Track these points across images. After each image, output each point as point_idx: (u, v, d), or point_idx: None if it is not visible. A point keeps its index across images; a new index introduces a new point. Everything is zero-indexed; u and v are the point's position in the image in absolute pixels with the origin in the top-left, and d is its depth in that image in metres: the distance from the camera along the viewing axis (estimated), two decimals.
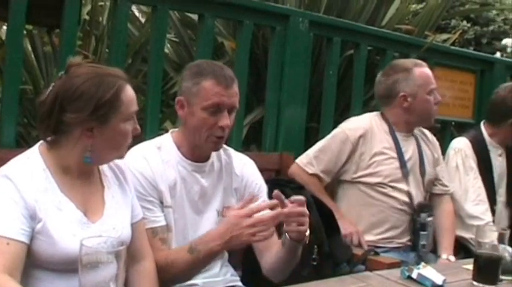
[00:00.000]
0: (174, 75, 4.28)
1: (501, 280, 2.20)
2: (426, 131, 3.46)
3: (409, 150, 3.27)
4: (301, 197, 2.14)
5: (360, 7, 4.51)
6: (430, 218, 3.20)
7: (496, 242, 2.22)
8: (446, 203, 3.42)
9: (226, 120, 2.23)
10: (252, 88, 4.06)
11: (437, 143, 3.49)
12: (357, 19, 4.36)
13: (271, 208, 2.05)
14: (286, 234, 2.16)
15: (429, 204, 3.31)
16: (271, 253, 2.30)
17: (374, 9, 4.52)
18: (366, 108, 4.16)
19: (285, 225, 2.14)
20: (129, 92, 1.93)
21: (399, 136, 3.26)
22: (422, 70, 3.26)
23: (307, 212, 2.12)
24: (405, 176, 3.20)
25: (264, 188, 2.50)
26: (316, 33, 3.80)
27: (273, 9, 3.62)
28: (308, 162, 3.22)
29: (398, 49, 4.30)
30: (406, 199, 3.20)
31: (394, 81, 3.26)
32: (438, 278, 2.07)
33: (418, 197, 3.25)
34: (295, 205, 2.08)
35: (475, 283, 2.16)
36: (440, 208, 3.41)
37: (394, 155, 3.20)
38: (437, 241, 3.31)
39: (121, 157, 2.01)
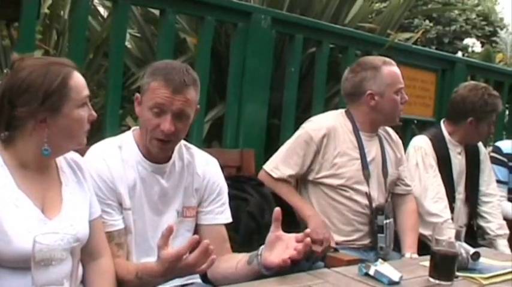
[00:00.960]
0: (136, 70, 4.24)
1: (457, 277, 2.22)
2: (390, 130, 3.44)
3: (372, 151, 3.24)
4: (307, 231, 2.11)
5: (323, 5, 4.51)
6: (387, 221, 3.18)
7: (453, 240, 2.24)
8: (409, 203, 3.43)
9: (167, 124, 2.17)
10: (215, 84, 4.04)
11: (400, 143, 3.47)
12: (320, 17, 4.36)
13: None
14: (260, 257, 2.11)
15: (387, 206, 3.25)
16: (227, 263, 2.26)
17: (337, 7, 4.52)
18: (328, 106, 4.18)
19: (262, 249, 2.12)
20: (76, 78, 1.91)
21: (363, 136, 3.22)
22: (391, 69, 3.22)
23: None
24: (367, 178, 3.18)
25: (224, 189, 2.47)
26: (278, 30, 3.81)
27: (235, 5, 3.60)
28: (274, 167, 3.17)
29: (361, 47, 4.32)
30: (366, 201, 3.18)
31: (361, 78, 3.22)
32: (395, 275, 2.08)
33: (379, 198, 3.23)
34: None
35: (431, 279, 2.17)
36: (403, 207, 3.42)
37: (357, 156, 3.18)
38: (400, 240, 3.32)
39: (80, 144, 1.99)
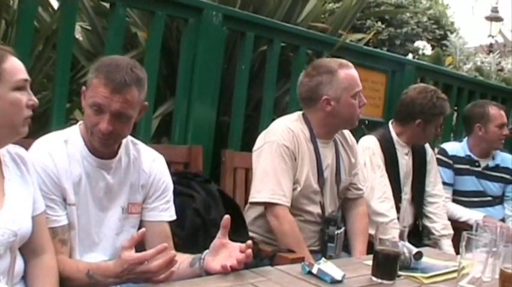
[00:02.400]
0: (86, 64, 4.18)
1: (399, 276, 2.25)
2: (346, 133, 3.37)
3: (328, 158, 3.17)
4: (249, 243, 2.09)
5: (276, 4, 4.51)
6: (339, 231, 3.12)
7: (396, 239, 2.27)
8: (359, 206, 3.39)
9: (105, 124, 2.13)
10: (166, 80, 4.02)
11: (355, 145, 3.42)
12: (273, 15, 4.36)
13: None
14: (202, 261, 2.10)
15: (339, 216, 3.20)
16: None
17: (290, 6, 4.53)
18: (278, 104, 4.18)
19: (206, 253, 2.11)
20: (12, 61, 1.88)
21: (319, 143, 3.14)
22: (348, 72, 3.10)
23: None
24: (321, 186, 3.12)
25: (170, 186, 2.46)
26: (229, 27, 3.79)
27: (186, 1, 3.56)
28: (272, 194, 2.95)
29: (312, 46, 4.33)
30: (319, 211, 3.12)
31: (317, 83, 3.09)
32: (338, 274, 2.09)
33: (331, 206, 3.19)
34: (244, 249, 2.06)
35: (373, 278, 2.19)
36: (354, 211, 3.38)
37: (314, 164, 3.10)
38: (351, 244, 3.30)
39: (19, 133, 1.94)
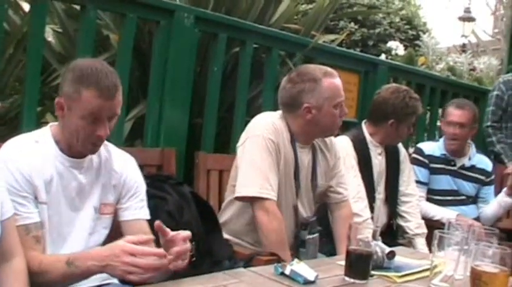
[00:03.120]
0: (58, 66, 4.15)
1: (372, 275, 2.26)
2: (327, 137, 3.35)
3: (304, 162, 3.15)
4: (188, 233, 2.10)
5: (248, 5, 4.50)
6: (310, 236, 3.10)
7: (369, 239, 2.27)
8: (342, 209, 3.36)
9: (105, 130, 2.18)
10: (138, 82, 4.00)
11: (335, 148, 3.39)
12: (246, 17, 4.36)
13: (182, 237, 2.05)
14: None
15: (312, 221, 3.17)
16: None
17: (263, 7, 4.53)
18: (251, 106, 4.18)
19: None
20: None
21: (298, 146, 3.11)
22: (332, 81, 3.05)
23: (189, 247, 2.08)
24: (297, 189, 3.10)
25: (142, 186, 2.45)
26: (201, 29, 3.79)
27: (157, 3, 3.55)
28: (260, 188, 2.90)
29: (284, 48, 4.33)
30: (292, 214, 3.09)
31: (299, 90, 3.04)
32: (310, 274, 2.10)
33: (306, 212, 3.16)
34: (181, 240, 2.06)
35: (346, 278, 2.20)
36: (336, 213, 3.37)
37: (291, 167, 3.07)
38: (336, 246, 3.29)
39: None
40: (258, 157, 2.94)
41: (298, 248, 3.07)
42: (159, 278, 2.01)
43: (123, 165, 2.41)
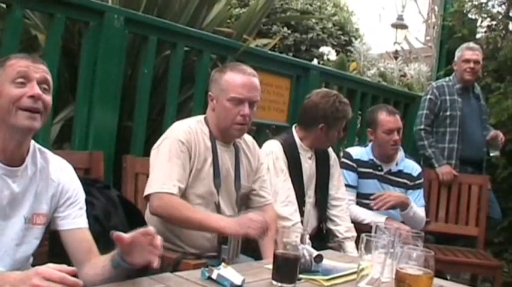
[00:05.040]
0: None
1: (300, 279, 2.27)
2: (249, 140, 3.36)
3: (226, 161, 3.15)
4: (150, 228, 2.06)
5: (181, 7, 4.48)
6: None
7: (298, 242, 2.28)
8: (267, 212, 3.29)
9: (35, 89, 2.10)
10: (68, 84, 3.92)
11: (258, 150, 3.41)
12: (178, 19, 4.33)
13: None
14: (123, 262, 2.05)
15: None
16: (93, 270, 2.17)
17: (195, 10, 4.51)
18: (182, 109, 4.15)
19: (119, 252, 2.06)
20: None
21: (218, 145, 3.12)
22: (233, 76, 3.07)
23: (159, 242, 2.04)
24: (217, 187, 3.09)
25: (81, 194, 2.39)
26: (132, 31, 3.74)
27: (87, 3, 3.49)
28: (162, 184, 2.91)
29: (216, 51, 4.32)
30: (215, 211, 3.07)
31: (210, 80, 3.19)
32: (237, 279, 2.09)
33: (229, 210, 3.15)
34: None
35: (274, 282, 2.20)
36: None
37: (210, 163, 3.08)
38: (262, 250, 3.22)
39: None
40: (165, 159, 2.97)
41: (220, 245, 3.04)
42: None
43: (60, 173, 2.34)
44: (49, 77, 2.19)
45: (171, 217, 2.91)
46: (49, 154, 2.36)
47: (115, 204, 2.71)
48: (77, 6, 3.45)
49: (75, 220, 2.32)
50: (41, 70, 2.15)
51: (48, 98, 2.17)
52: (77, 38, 4.03)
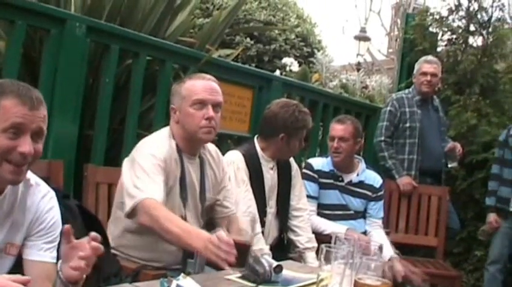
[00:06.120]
0: None
1: None
2: (212, 149, 3.35)
3: (192, 174, 3.14)
4: (96, 235, 1.98)
5: (144, 17, 4.47)
6: None
7: (265, 250, 2.29)
8: (231, 223, 3.33)
9: (28, 146, 1.96)
10: None
11: (221, 159, 3.40)
12: (141, 28, 4.33)
13: None
14: (60, 273, 1.99)
15: None
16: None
17: (158, 20, 4.50)
18: (143, 119, 4.14)
19: (60, 264, 2.01)
20: None
21: (185, 158, 3.10)
22: (193, 82, 3.10)
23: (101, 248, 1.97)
24: (184, 201, 3.08)
25: (57, 225, 2.27)
26: (93, 39, 3.72)
27: (48, 11, 3.47)
28: (141, 190, 2.86)
29: (178, 61, 4.32)
30: None
31: (171, 93, 3.19)
32: None
33: (195, 223, 3.12)
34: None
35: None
36: (224, 228, 3.22)
37: (177, 179, 3.06)
38: None
39: None
40: (142, 170, 2.91)
41: (186, 259, 2.99)
42: None
43: (40, 202, 2.23)
44: (44, 125, 2.04)
45: (153, 226, 2.83)
46: (32, 178, 2.23)
47: (74, 214, 2.67)
48: (38, 14, 3.42)
49: (39, 252, 2.20)
50: (38, 119, 2.00)
51: (40, 147, 2.04)
52: (38, 45, 3.99)
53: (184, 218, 3.06)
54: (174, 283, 2.10)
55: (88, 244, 1.94)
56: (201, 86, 3.08)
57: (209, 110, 3.05)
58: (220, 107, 3.16)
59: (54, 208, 2.28)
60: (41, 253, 2.20)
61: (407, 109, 5.56)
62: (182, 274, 2.18)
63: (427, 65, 5.62)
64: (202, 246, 2.63)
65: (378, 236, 4.37)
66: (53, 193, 2.30)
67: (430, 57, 5.76)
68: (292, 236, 3.99)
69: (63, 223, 2.59)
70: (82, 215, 2.69)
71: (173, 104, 3.14)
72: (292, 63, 8.15)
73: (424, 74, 5.58)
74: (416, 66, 5.72)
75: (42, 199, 2.24)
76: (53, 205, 2.28)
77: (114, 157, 3.94)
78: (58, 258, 2.15)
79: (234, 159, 3.65)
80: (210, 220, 3.32)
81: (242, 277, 2.42)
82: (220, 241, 2.52)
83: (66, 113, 3.52)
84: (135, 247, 3.05)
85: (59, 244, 2.21)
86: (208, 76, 3.18)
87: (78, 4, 4.32)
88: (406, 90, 5.81)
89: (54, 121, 3.44)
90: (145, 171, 2.91)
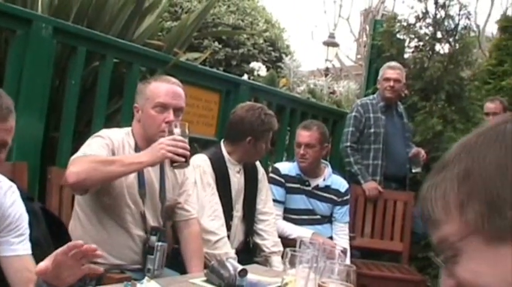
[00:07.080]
0: None
1: None
2: None
3: (151, 173, 3.15)
4: (79, 242, 1.94)
5: (111, 19, 4.45)
6: (160, 243, 3.03)
7: (231, 255, 2.29)
8: (191, 226, 3.32)
9: None
10: None
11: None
12: (108, 31, 4.30)
13: None
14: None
15: (163, 229, 3.15)
16: None
17: (126, 22, 4.49)
18: (110, 122, 4.10)
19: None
20: None
21: None
22: (158, 84, 3.13)
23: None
24: (142, 197, 3.09)
25: (23, 218, 2.27)
26: (60, 40, 3.69)
27: (14, 11, 3.43)
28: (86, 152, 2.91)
29: (145, 63, 4.31)
30: (140, 221, 3.09)
31: (136, 91, 3.25)
32: None
33: (154, 221, 3.14)
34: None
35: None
36: (186, 231, 3.32)
37: (135, 177, 3.06)
38: (186, 265, 3.22)
39: None
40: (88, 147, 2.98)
41: (146, 255, 3.04)
42: None
43: (2, 197, 2.22)
44: (9, 136, 2.02)
45: (92, 180, 2.84)
46: None
47: (37, 216, 2.64)
48: (4, 14, 3.38)
49: (12, 247, 2.19)
50: (3, 132, 1.98)
51: (1, 157, 2.04)
52: (4, 46, 3.95)
53: (143, 215, 3.10)
54: (138, 286, 2.09)
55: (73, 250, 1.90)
56: (164, 89, 3.12)
57: (170, 115, 3.08)
58: (182, 111, 3.18)
59: (17, 201, 2.27)
60: (13, 247, 2.19)
61: (371, 115, 5.60)
62: (146, 278, 2.18)
63: (390, 71, 5.67)
64: (155, 151, 2.79)
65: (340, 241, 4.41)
66: (14, 187, 2.29)
67: (393, 63, 5.82)
68: (258, 240, 3.99)
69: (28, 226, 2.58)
70: (46, 218, 2.66)
71: (137, 103, 3.18)
72: (260, 68, 8.15)
73: (387, 79, 5.63)
74: (380, 72, 5.78)
75: (5, 195, 2.23)
76: (15, 199, 2.27)
77: None
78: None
79: (200, 163, 3.65)
80: (171, 222, 3.32)
81: (207, 281, 2.42)
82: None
83: (31, 115, 3.49)
84: (96, 243, 3.01)
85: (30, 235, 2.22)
86: (173, 80, 3.21)
87: (45, 5, 4.29)
88: (371, 96, 5.86)
89: (19, 123, 3.34)
90: (88, 146, 2.97)
